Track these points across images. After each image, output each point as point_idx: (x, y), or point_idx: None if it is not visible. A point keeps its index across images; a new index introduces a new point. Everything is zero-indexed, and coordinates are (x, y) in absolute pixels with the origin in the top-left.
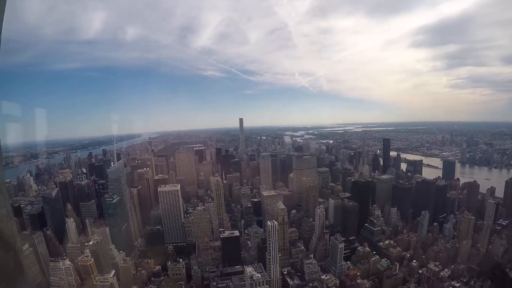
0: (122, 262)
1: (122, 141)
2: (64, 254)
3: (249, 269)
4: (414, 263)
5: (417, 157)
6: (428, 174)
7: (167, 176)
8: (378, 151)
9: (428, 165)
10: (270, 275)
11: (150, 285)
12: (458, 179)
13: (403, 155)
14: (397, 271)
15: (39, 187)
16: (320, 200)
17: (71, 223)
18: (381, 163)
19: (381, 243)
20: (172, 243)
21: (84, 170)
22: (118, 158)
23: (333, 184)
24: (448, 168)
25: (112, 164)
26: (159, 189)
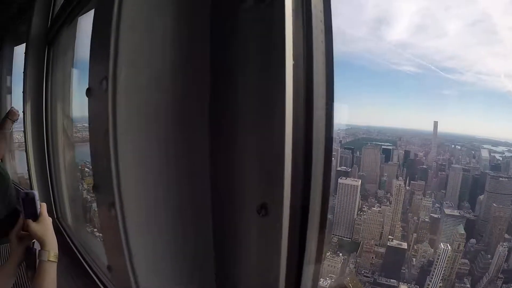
0: None
1: None
2: None
3: None
4: None
5: None
6: None
7: (350, 169)
8: None
9: None
10: None
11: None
12: None
13: None
14: None
15: None
16: (506, 236)
17: None
18: None
19: None
20: (338, 235)
21: None
22: None
23: None
24: None
25: None
26: (339, 180)
